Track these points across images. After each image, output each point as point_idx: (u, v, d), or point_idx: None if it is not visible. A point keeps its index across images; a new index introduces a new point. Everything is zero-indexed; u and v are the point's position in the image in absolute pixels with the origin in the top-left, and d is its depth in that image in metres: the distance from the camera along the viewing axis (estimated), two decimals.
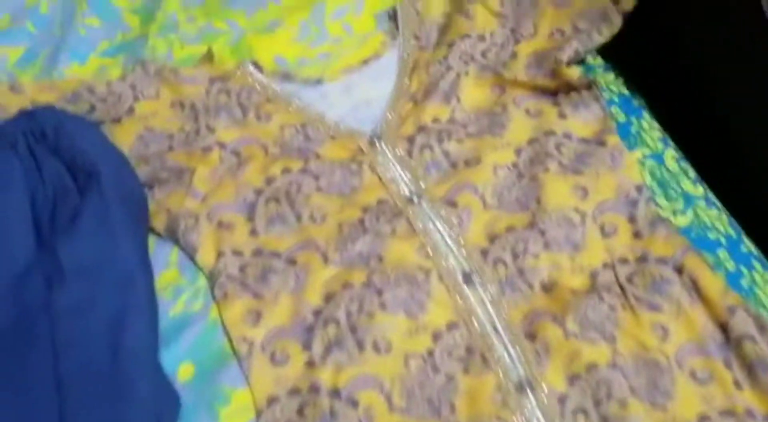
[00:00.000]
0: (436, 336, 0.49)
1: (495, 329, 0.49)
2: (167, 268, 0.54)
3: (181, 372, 0.50)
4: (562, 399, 0.46)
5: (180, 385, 0.49)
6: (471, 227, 0.53)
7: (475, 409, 0.46)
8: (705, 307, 0.48)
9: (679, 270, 0.50)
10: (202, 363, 0.50)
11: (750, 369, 0.46)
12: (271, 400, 0.47)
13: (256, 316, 0.50)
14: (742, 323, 0.47)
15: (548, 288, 0.50)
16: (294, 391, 0.47)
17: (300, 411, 0.46)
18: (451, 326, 0.49)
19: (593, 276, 0.51)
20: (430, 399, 0.46)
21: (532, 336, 0.48)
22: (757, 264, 0.51)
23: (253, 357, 0.49)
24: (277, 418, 0.46)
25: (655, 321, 0.48)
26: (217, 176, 0.57)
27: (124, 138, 0.59)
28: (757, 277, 0.50)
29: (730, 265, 0.51)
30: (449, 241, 0.52)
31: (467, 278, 0.50)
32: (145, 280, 0.49)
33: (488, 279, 0.50)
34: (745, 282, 0.50)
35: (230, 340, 0.50)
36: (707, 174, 0.57)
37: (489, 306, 0.49)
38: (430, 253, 0.52)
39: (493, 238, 0.52)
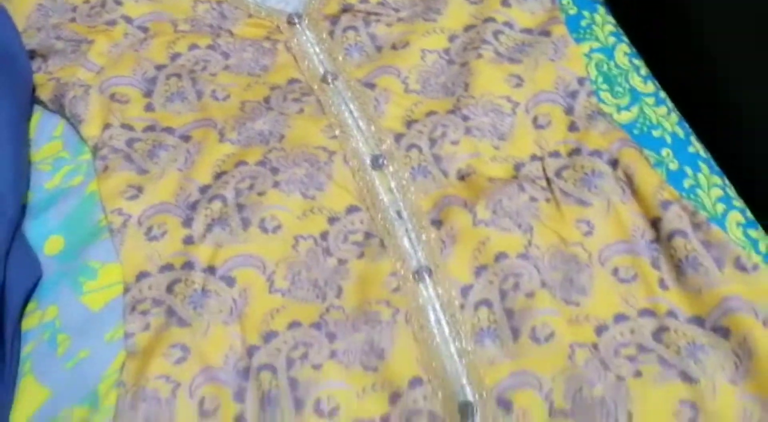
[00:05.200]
0: (332, 220, 0.47)
1: (399, 215, 0.47)
2: (50, 141, 0.53)
3: (49, 244, 0.48)
4: (465, 291, 0.44)
5: (45, 258, 0.48)
6: (388, 110, 0.51)
7: (364, 294, 0.44)
8: (638, 204, 0.47)
9: (614, 163, 0.48)
10: (72, 237, 0.48)
11: (678, 267, 0.44)
12: (141, 276, 0.45)
13: (137, 190, 0.49)
14: (675, 218, 0.45)
15: (465, 176, 0.49)
16: (167, 267, 0.46)
17: (169, 288, 0.45)
18: (351, 210, 0.48)
19: (517, 167, 0.49)
20: (316, 283, 0.45)
21: (438, 223, 0.47)
22: (703, 166, 0.49)
23: (127, 230, 0.47)
24: (144, 295, 0.45)
25: (580, 216, 0.46)
26: (117, 51, 0.56)
27: (22, 7, 0.58)
28: (702, 179, 0.48)
29: (674, 165, 0.49)
30: (361, 123, 0.51)
31: (375, 162, 0.49)
32: (12, 146, 0.48)
33: (399, 165, 0.49)
34: (687, 183, 0.48)
35: (105, 214, 0.49)
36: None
37: (396, 192, 0.48)
38: (338, 134, 0.50)
39: (410, 124, 0.51)
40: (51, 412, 0.42)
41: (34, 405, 0.43)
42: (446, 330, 0.43)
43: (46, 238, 0.49)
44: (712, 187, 0.48)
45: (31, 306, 0.46)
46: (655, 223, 0.46)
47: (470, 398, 0.40)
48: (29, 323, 0.46)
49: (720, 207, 0.47)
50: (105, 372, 0.43)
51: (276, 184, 0.48)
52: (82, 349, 0.44)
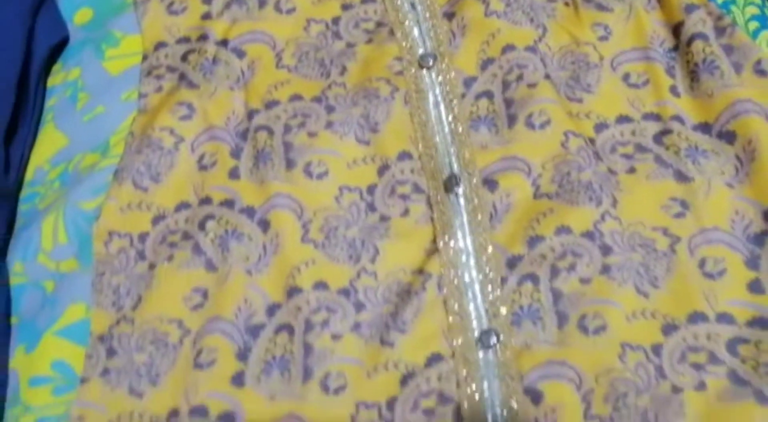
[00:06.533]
0: (346, 6, 0.48)
1: (413, 7, 0.47)
2: None
3: (78, 15, 0.51)
4: (468, 82, 0.44)
5: (74, 26, 0.51)
6: None
7: (367, 73, 0.45)
8: (661, 11, 0.45)
9: None
10: (100, 9, 0.51)
11: (693, 73, 0.43)
12: (159, 45, 0.48)
13: None
14: (698, 22, 0.43)
15: None
16: (184, 39, 0.48)
17: (184, 57, 0.47)
18: (366, 0, 0.49)
19: None
20: (322, 62, 0.46)
21: (451, 15, 0.47)
22: None
23: (150, 3, 0.49)
24: (161, 62, 0.47)
25: (598, 20, 0.46)
26: None
27: None
28: None
29: None
30: None
31: None
32: None
33: None
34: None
35: None
36: None
37: None
38: None
39: None
40: (67, 155, 0.46)
41: (54, 149, 0.47)
42: (443, 113, 0.43)
43: (77, 9, 0.51)
44: (749, 4, 0.46)
45: (56, 67, 0.50)
46: (676, 29, 0.44)
47: (456, 173, 0.41)
48: (54, 81, 0.49)
49: (753, 24, 0.45)
50: (118, 126, 0.46)
51: None
52: (99, 105, 0.47)
